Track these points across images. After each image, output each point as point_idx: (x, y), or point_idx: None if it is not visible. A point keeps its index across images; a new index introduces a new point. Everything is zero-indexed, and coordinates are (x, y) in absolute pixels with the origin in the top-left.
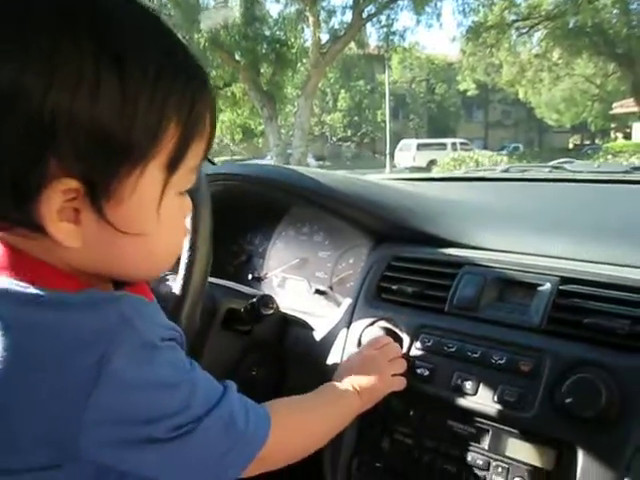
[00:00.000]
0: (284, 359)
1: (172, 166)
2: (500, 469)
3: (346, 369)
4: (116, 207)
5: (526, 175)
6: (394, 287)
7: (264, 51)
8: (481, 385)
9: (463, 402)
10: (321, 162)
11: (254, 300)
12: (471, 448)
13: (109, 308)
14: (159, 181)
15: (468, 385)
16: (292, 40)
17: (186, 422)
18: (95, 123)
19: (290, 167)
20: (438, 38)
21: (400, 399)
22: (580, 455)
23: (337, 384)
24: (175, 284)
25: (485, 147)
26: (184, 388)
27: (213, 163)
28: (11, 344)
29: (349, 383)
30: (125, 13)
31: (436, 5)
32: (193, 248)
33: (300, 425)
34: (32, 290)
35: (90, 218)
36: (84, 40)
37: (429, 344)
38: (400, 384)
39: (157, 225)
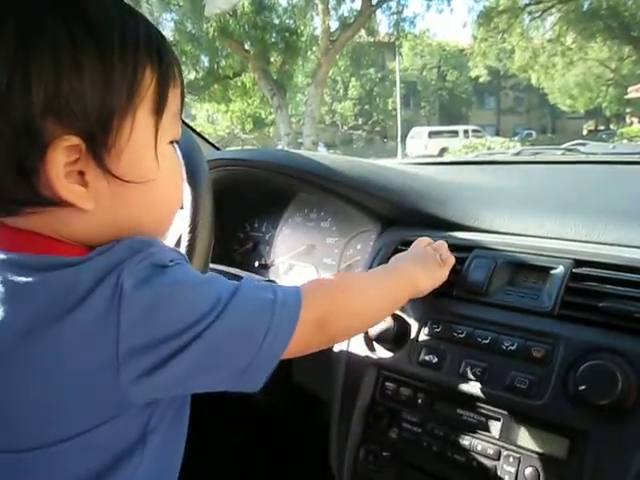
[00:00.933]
0: None
1: (158, 110)
2: (511, 459)
3: (397, 259)
4: (117, 159)
5: (538, 158)
6: None
7: (273, 40)
8: (491, 372)
9: (473, 389)
10: (332, 151)
11: None
12: (481, 437)
13: (118, 247)
14: (150, 126)
15: (478, 372)
16: (302, 28)
17: (216, 310)
18: (82, 81)
19: (296, 151)
20: (449, 24)
21: (408, 386)
22: (595, 444)
23: (387, 266)
24: None
25: (497, 134)
26: (202, 286)
27: (217, 149)
28: (28, 303)
29: (399, 267)
30: None
31: None
32: (193, 233)
33: (344, 287)
34: (46, 258)
35: (96, 177)
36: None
37: (437, 330)
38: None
39: (157, 172)
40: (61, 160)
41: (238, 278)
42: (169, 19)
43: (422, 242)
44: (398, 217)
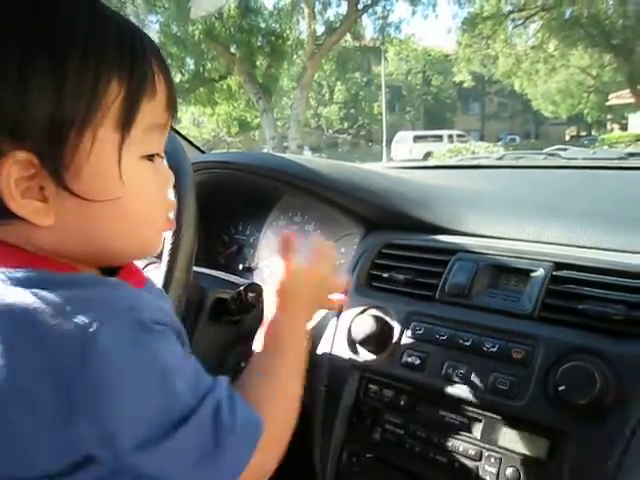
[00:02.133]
0: None
1: (123, 127)
2: (493, 459)
3: (289, 299)
4: (76, 176)
5: (521, 162)
6: (385, 275)
7: (259, 43)
8: (473, 373)
9: (455, 391)
10: (317, 154)
11: (241, 289)
12: (463, 438)
13: (99, 284)
14: (113, 143)
15: (460, 373)
16: (287, 32)
17: (182, 414)
18: (29, 94)
19: (281, 154)
20: (434, 30)
21: (391, 388)
22: (574, 444)
23: (285, 329)
24: (158, 273)
25: (482, 139)
26: (179, 377)
27: (202, 152)
28: None
29: (294, 318)
30: None
31: None
32: (176, 237)
33: (285, 404)
34: (13, 272)
35: (56, 193)
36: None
37: (420, 332)
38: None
39: (122, 189)
40: (12, 175)
41: (222, 281)
42: (154, 21)
43: (319, 270)
44: (382, 220)
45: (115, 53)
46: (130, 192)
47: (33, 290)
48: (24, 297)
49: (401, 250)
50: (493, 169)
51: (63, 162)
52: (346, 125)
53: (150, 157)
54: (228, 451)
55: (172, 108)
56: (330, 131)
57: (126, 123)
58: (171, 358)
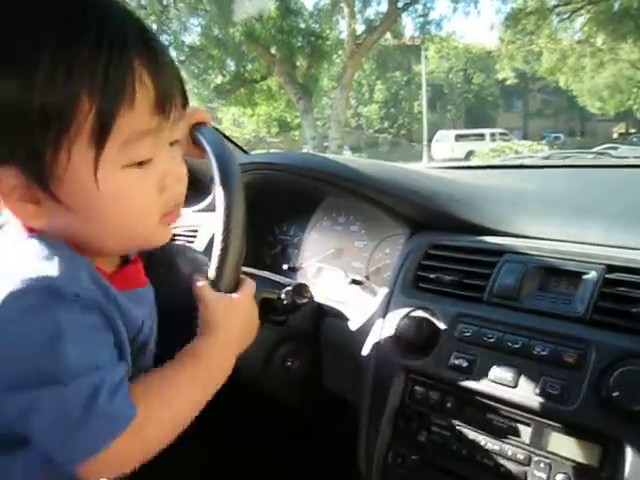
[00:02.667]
0: (319, 350)
1: (97, 144)
2: (542, 464)
3: (218, 320)
4: (59, 185)
5: (568, 162)
6: (431, 276)
7: (299, 44)
8: (522, 377)
9: (503, 394)
10: (357, 154)
11: (288, 289)
12: (511, 442)
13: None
14: (88, 159)
15: (509, 377)
16: (327, 32)
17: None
18: (3, 112)
19: (324, 155)
20: (476, 26)
21: (437, 390)
22: (628, 451)
23: (206, 346)
24: (209, 271)
25: (525, 137)
26: (73, 346)
27: (245, 152)
28: None
29: (223, 342)
30: None
31: None
32: (225, 239)
33: (160, 419)
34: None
35: (46, 197)
36: None
37: (468, 334)
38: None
39: (101, 199)
40: (7, 184)
41: (268, 281)
42: (196, 24)
43: (245, 295)
44: (427, 221)
45: (86, 66)
46: (111, 201)
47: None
48: None
49: (448, 251)
50: (539, 168)
51: (45, 176)
52: (386, 124)
53: (141, 163)
54: (89, 429)
55: (162, 108)
56: (370, 130)
57: (99, 141)
58: (72, 328)
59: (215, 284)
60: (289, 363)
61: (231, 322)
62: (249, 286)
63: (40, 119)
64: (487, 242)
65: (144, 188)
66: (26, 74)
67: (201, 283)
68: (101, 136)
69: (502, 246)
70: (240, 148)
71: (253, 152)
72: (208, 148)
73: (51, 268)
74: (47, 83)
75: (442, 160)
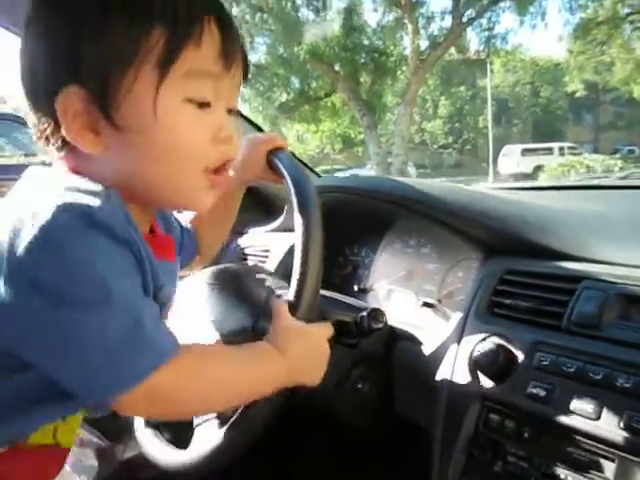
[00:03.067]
0: (391, 373)
1: (162, 68)
2: None
3: (289, 339)
4: (119, 111)
5: None
6: (507, 302)
7: (363, 61)
8: (604, 409)
9: (584, 426)
10: (421, 170)
11: (364, 314)
12: (593, 477)
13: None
14: (152, 82)
15: (589, 409)
16: (391, 48)
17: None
18: (82, 37)
19: (395, 178)
20: (543, 38)
21: (513, 419)
22: None
23: (266, 346)
24: (288, 294)
25: (596, 151)
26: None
27: (318, 175)
28: None
29: (284, 361)
30: None
31: (540, 4)
32: (304, 266)
33: (203, 369)
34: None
35: (105, 126)
36: None
37: (546, 363)
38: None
39: (154, 124)
40: (70, 107)
41: (341, 304)
42: (261, 43)
43: (322, 334)
44: (501, 245)
45: (164, 3)
46: (165, 132)
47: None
48: None
49: (524, 277)
50: (617, 189)
51: (108, 99)
52: (450, 140)
53: (201, 104)
54: (135, 354)
55: (225, 57)
56: (434, 146)
57: (165, 65)
58: (108, 256)
59: (293, 309)
60: (360, 386)
61: (299, 351)
62: (327, 327)
63: (113, 42)
64: (565, 268)
65: (199, 129)
66: (108, 5)
67: (280, 305)
68: (166, 63)
69: (581, 272)
70: (312, 170)
71: (317, 168)
72: (286, 174)
73: (90, 199)
74: (127, 9)
75: (509, 175)
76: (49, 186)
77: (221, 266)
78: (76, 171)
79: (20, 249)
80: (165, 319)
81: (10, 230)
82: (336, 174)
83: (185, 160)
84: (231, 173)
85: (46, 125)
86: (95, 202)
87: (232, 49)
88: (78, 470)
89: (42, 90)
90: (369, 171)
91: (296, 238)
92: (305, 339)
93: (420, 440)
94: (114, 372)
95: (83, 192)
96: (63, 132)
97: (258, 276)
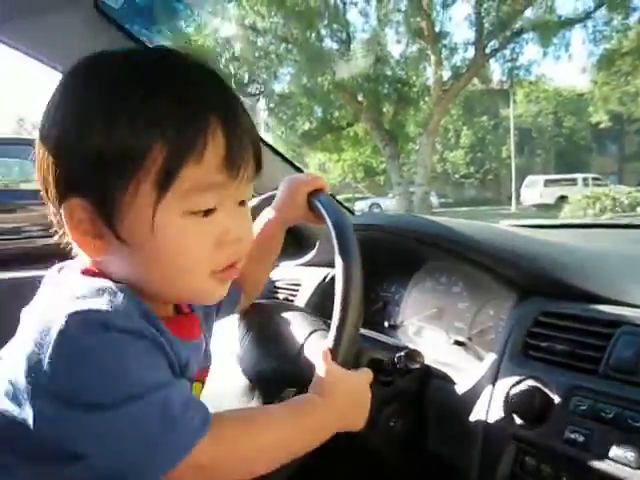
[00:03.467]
0: (424, 412)
1: (162, 185)
2: None
3: (334, 389)
4: (121, 223)
5: None
6: (542, 344)
7: (386, 91)
8: None
9: (625, 475)
10: (443, 200)
11: (402, 354)
12: None
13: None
14: (151, 198)
15: (630, 456)
16: (414, 79)
17: (117, 397)
18: (84, 150)
19: (427, 217)
20: (566, 69)
21: (550, 464)
22: None
23: (317, 400)
24: (327, 339)
25: (620, 182)
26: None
27: (352, 213)
28: None
29: (332, 408)
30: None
31: (564, 35)
32: (344, 310)
33: (246, 435)
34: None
35: (107, 234)
36: None
37: (583, 408)
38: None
39: (153, 239)
40: (75, 215)
41: (376, 342)
42: (285, 73)
43: (365, 380)
44: (534, 286)
45: (165, 119)
46: (164, 245)
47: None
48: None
49: (560, 319)
50: None
51: (110, 212)
52: (472, 169)
53: (204, 213)
54: (166, 441)
55: (231, 165)
56: (456, 176)
57: (162, 186)
58: (125, 352)
59: (332, 355)
60: (392, 424)
61: (345, 399)
62: (368, 373)
63: (115, 160)
64: (602, 312)
65: (200, 239)
66: (110, 121)
67: (323, 353)
68: (165, 182)
69: (619, 316)
70: (347, 209)
71: (338, 196)
72: (327, 218)
73: (102, 302)
74: (128, 130)
75: (531, 206)
76: (63, 294)
77: (254, 303)
78: (90, 269)
79: (41, 364)
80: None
81: (32, 344)
82: (357, 203)
83: (188, 268)
84: (272, 214)
85: (59, 219)
86: (107, 305)
87: (239, 153)
88: None
89: (51, 193)
90: (391, 200)
91: (336, 283)
92: (350, 387)
93: (453, 478)
94: (153, 457)
95: (95, 296)
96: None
97: (294, 315)
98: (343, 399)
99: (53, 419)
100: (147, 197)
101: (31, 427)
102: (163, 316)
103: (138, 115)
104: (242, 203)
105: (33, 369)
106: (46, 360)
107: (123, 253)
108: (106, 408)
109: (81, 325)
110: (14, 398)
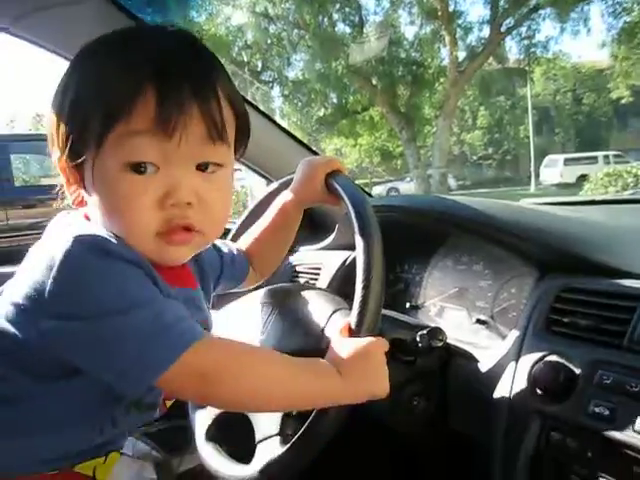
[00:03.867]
0: (446, 390)
1: (99, 135)
2: None
3: (345, 356)
4: (84, 176)
5: None
6: (565, 320)
7: (400, 73)
8: None
9: None
10: (461, 182)
11: (424, 332)
12: None
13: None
14: (94, 151)
15: None
16: (429, 61)
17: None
18: (66, 113)
19: (446, 196)
20: (585, 44)
21: (575, 438)
22: None
23: (323, 361)
24: (350, 316)
25: None
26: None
27: (370, 195)
28: None
29: (338, 365)
30: None
31: (582, 9)
32: (366, 287)
33: (245, 356)
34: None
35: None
36: None
37: (608, 381)
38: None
39: (99, 194)
40: (64, 171)
41: (397, 322)
42: (299, 59)
43: (378, 347)
44: (557, 263)
45: (108, 78)
46: (106, 199)
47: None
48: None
49: (583, 294)
50: None
51: (77, 165)
52: (490, 151)
53: (138, 168)
54: (160, 343)
55: (162, 121)
56: (474, 157)
57: (100, 134)
58: (120, 271)
59: (355, 332)
60: (416, 402)
61: (356, 366)
62: (381, 340)
63: (77, 119)
64: (625, 286)
65: (137, 196)
66: (80, 86)
67: (341, 328)
68: (102, 132)
69: None
70: (365, 191)
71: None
72: (346, 198)
73: (105, 233)
74: (87, 91)
75: (551, 185)
76: (68, 230)
77: (276, 286)
78: (87, 217)
79: (45, 283)
80: None
81: (39, 268)
82: (375, 187)
83: (131, 225)
84: (289, 196)
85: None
86: (109, 236)
87: (172, 109)
88: None
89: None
90: (408, 184)
91: (357, 261)
92: (361, 354)
93: (480, 460)
94: (150, 358)
95: (97, 230)
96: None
97: (316, 295)
98: (354, 368)
99: (54, 332)
100: (92, 151)
101: (32, 343)
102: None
103: (98, 77)
104: (204, 168)
105: (37, 288)
106: (50, 279)
107: (90, 207)
108: (105, 317)
109: (85, 246)
110: (16, 317)
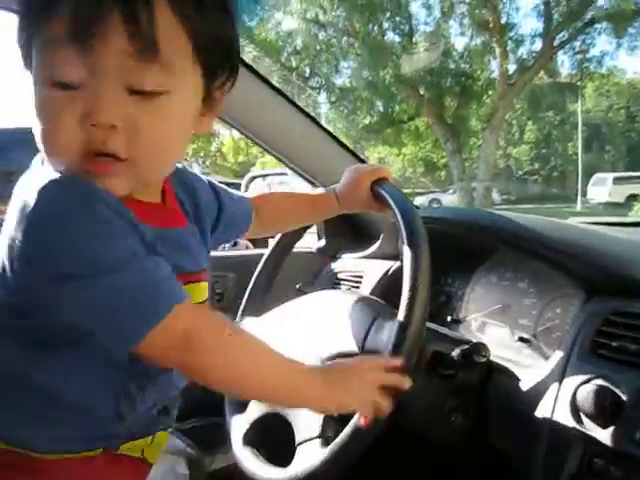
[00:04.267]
0: (485, 407)
1: (24, 46)
2: None
3: (332, 368)
4: None
5: None
6: (613, 344)
7: (449, 84)
8: None
9: None
10: (505, 196)
11: (468, 347)
12: None
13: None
14: (28, 65)
15: None
16: (478, 72)
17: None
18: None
19: (493, 211)
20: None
21: (619, 467)
22: None
23: (307, 366)
24: (393, 328)
25: None
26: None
27: (416, 207)
28: None
29: (320, 375)
30: None
31: None
32: (413, 296)
33: (238, 336)
34: None
35: None
36: None
37: None
38: (381, 411)
39: (35, 116)
40: None
41: (439, 335)
42: (347, 67)
43: (373, 366)
44: (604, 282)
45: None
46: (37, 120)
47: None
48: None
49: (632, 319)
50: None
51: None
52: (537, 166)
53: (59, 83)
54: (148, 301)
55: (76, 32)
56: (519, 172)
57: (25, 45)
58: (105, 222)
59: (399, 340)
60: (454, 416)
61: (339, 379)
62: (372, 359)
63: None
64: None
65: (58, 113)
66: None
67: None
68: (26, 43)
69: None
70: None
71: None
72: (394, 206)
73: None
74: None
75: (598, 204)
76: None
77: (321, 292)
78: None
79: (27, 234)
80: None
81: (15, 219)
82: (417, 198)
83: (51, 143)
84: (334, 200)
85: None
86: (85, 180)
87: (89, 12)
88: (170, 477)
89: None
90: (451, 195)
91: (404, 269)
92: (351, 367)
93: (515, 473)
94: (134, 316)
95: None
96: None
97: (361, 300)
98: (336, 379)
99: (38, 290)
100: (28, 65)
101: (20, 307)
102: (139, 200)
103: None
104: (142, 93)
105: (16, 244)
106: (30, 230)
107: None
108: (92, 275)
109: (65, 188)
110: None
